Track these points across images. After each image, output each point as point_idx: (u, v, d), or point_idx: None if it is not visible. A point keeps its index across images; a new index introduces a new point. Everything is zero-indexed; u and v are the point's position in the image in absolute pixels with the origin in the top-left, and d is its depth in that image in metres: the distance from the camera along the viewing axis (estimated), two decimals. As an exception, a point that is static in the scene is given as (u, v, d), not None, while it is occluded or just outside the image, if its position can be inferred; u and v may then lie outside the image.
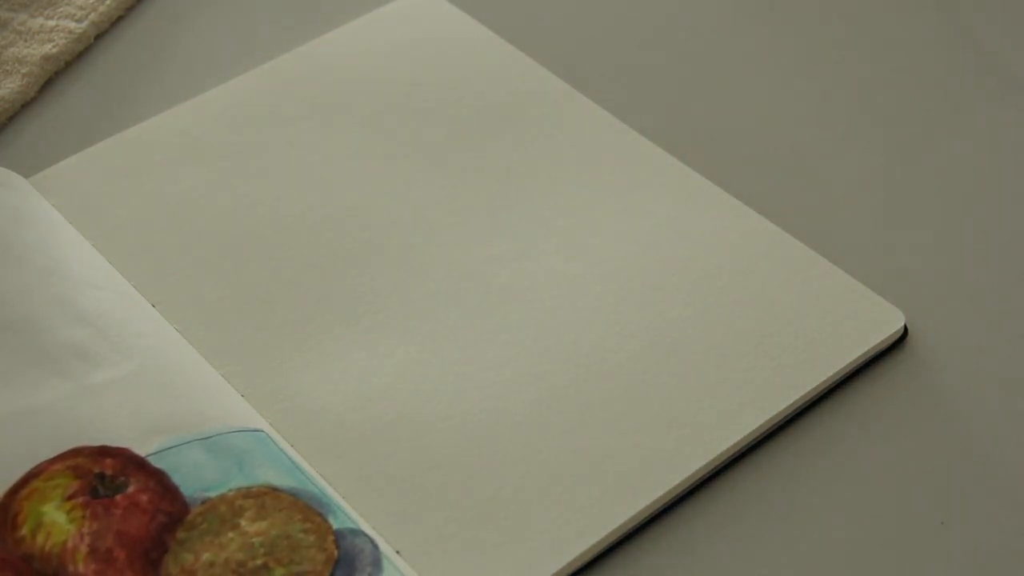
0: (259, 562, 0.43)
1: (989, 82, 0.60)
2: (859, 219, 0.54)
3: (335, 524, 0.44)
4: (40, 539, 0.43)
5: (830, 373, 0.48)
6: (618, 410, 0.47)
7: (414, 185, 0.55)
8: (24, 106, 0.60)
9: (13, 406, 0.46)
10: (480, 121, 0.58)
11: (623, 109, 0.58)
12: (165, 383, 0.48)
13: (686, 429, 0.47)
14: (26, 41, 0.62)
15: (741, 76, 0.60)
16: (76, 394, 0.47)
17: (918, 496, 0.46)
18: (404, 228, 0.54)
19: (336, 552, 0.43)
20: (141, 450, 0.45)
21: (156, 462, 0.45)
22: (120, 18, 0.64)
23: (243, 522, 0.44)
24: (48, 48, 0.61)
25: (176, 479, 0.45)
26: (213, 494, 0.44)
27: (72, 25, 0.62)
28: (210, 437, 0.46)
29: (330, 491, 0.45)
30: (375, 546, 0.44)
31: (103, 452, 0.45)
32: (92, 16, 0.63)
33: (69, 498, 0.44)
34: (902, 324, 0.49)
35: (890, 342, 0.49)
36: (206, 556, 0.43)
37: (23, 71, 0.60)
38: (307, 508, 0.44)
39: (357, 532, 0.44)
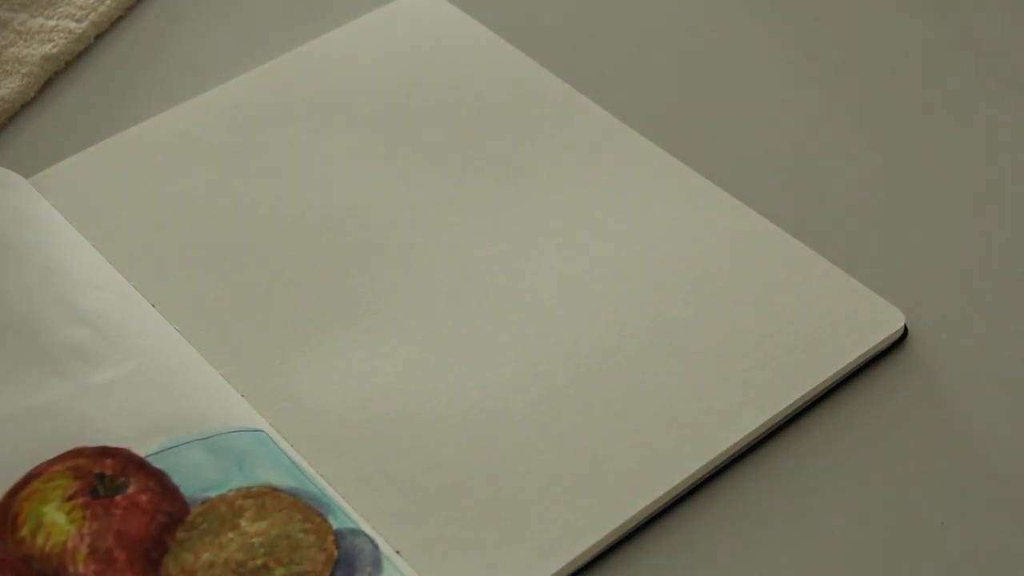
0: (259, 562, 0.43)
1: (989, 82, 0.60)
2: (859, 219, 0.54)
3: (335, 524, 0.44)
4: (40, 540, 0.43)
5: (830, 373, 0.48)
6: (618, 410, 0.47)
7: (414, 185, 0.55)
8: (24, 106, 0.60)
9: (13, 406, 0.46)
10: (480, 121, 0.58)
11: (623, 109, 0.58)
12: (165, 383, 0.48)
13: (686, 429, 0.47)
14: (26, 41, 0.62)
15: (741, 76, 0.60)
16: (76, 394, 0.47)
17: (918, 496, 0.46)
18: (404, 228, 0.54)
19: (336, 552, 0.43)
20: (141, 450, 0.45)
21: (156, 462, 0.45)
22: (120, 18, 0.64)
23: (243, 522, 0.44)
24: (48, 48, 0.61)
25: (176, 479, 0.45)
26: (213, 494, 0.44)
27: (72, 25, 0.62)
28: (210, 437, 0.46)
29: (330, 491, 0.45)
30: (375, 546, 0.44)
31: (103, 452, 0.45)
32: (92, 16, 0.63)
33: (69, 499, 0.44)
34: (902, 324, 0.49)
35: (890, 342, 0.49)
36: (206, 556, 0.43)
37: (23, 71, 0.60)
38: (307, 508, 0.44)
39: (357, 532, 0.44)
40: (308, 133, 0.57)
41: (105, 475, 0.45)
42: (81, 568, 0.43)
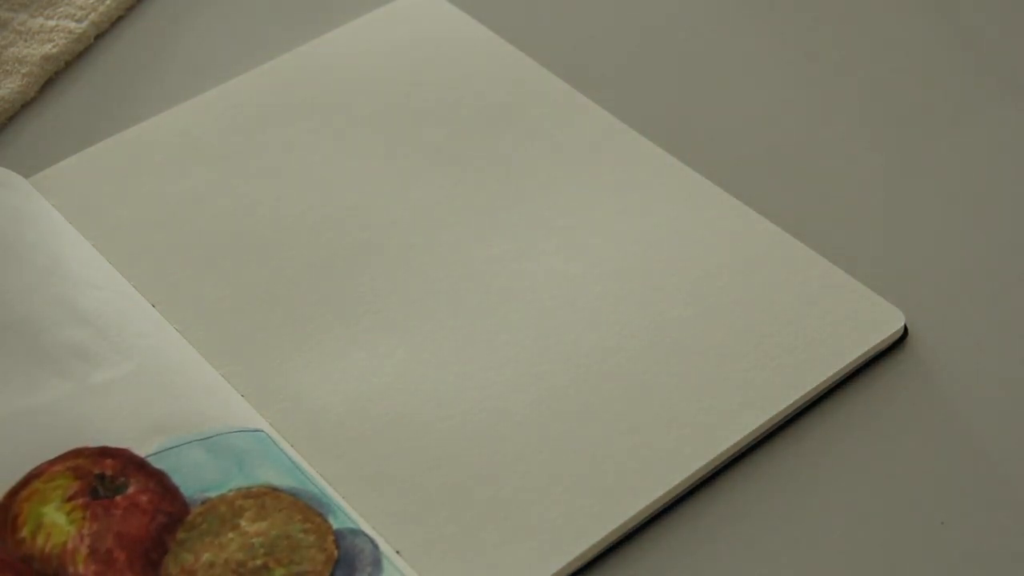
0: (259, 562, 0.43)
1: (989, 82, 0.60)
2: (859, 219, 0.54)
3: (335, 524, 0.44)
4: (40, 540, 0.43)
5: (830, 373, 0.48)
6: (618, 410, 0.47)
7: (414, 185, 0.55)
8: (24, 106, 0.60)
9: (13, 406, 0.46)
10: (480, 121, 0.58)
11: (623, 109, 0.58)
12: (165, 383, 0.48)
13: (686, 429, 0.47)
14: (26, 41, 0.62)
15: (741, 76, 0.60)
16: (76, 394, 0.47)
17: (918, 496, 0.46)
18: (404, 228, 0.54)
19: (336, 552, 0.43)
20: (141, 450, 0.45)
21: (156, 462, 0.45)
22: (120, 18, 0.64)
23: (243, 522, 0.44)
24: (48, 48, 0.61)
25: (176, 479, 0.45)
26: (213, 494, 0.44)
27: (72, 25, 0.62)
28: (210, 437, 0.46)
29: (330, 491, 0.45)
30: (375, 546, 0.44)
31: (103, 453, 0.45)
32: (92, 16, 0.63)
33: (69, 499, 0.44)
34: (902, 324, 0.49)
35: (890, 342, 0.49)
36: (206, 556, 0.43)
37: (23, 71, 0.60)
38: (307, 508, 0.44)
39: (357, 532, 0.44)
40: (308, 133, 0.57)
41: (105, 475, 0.45)
42: (81, 568, 0.43)
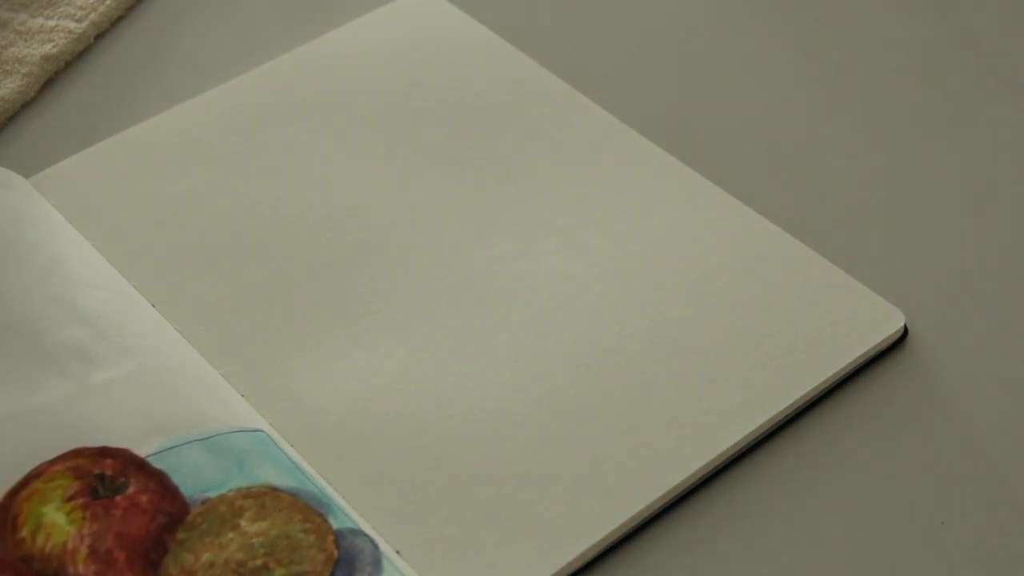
0: (259, 562, 0.43)
1: (989, 82, 0.60)
2: (859, 219, 0.54)
3: (335, 524, 0.44)
4: (40, 540, 0.43)
5: (830, 373, 0.48)
6: (618, 410, 0.47)
7: (414, 185, 0.55)
8: (24, 106, 0.60)
9: (13, 406, 0.46)
10: (480, 121, 0.58)
11: (623, 109, 0.58)
12: (165, 383, 0.48)
13: (686, 429, 0.47)
14: (26, 41, 0.62)
15: (741, 76, 0.60)
16: (76, 394, 0.47)
17: (918, 496, 0.46)
18: (404, 228, 0.54)
19: (336, 552, 0.43)
20: (141, 450, 0.45)
21: (156, 462, 0.45)
22: (120, 18, 0.64)
23: (243, 522, 0.44)
24: (48, 48, 0.61)
25: (176, 479, 0.45)
26: (213, 494, 0.44)
27: (72, 25, 0.62)
28: (210, 437, 0.46)
29: (330, 491, 0.45)
30: (375, 546, 0.44)
31: (103, 453, 0.45)
32: (92, 16, 0.63)
33: (69, 499, 0.44)
34: (902, 324, 0.49)
35: (890, 342, 0.49)
36: (206, 556, 0.43)
37: (23, 71, 0.60)
38: (307, 508, 0.44)
39: (357, 532, 0.44)
40: (308, 133, 0.57)
41: (105, 475, 0.45)
42: (81, 568, 0.43)
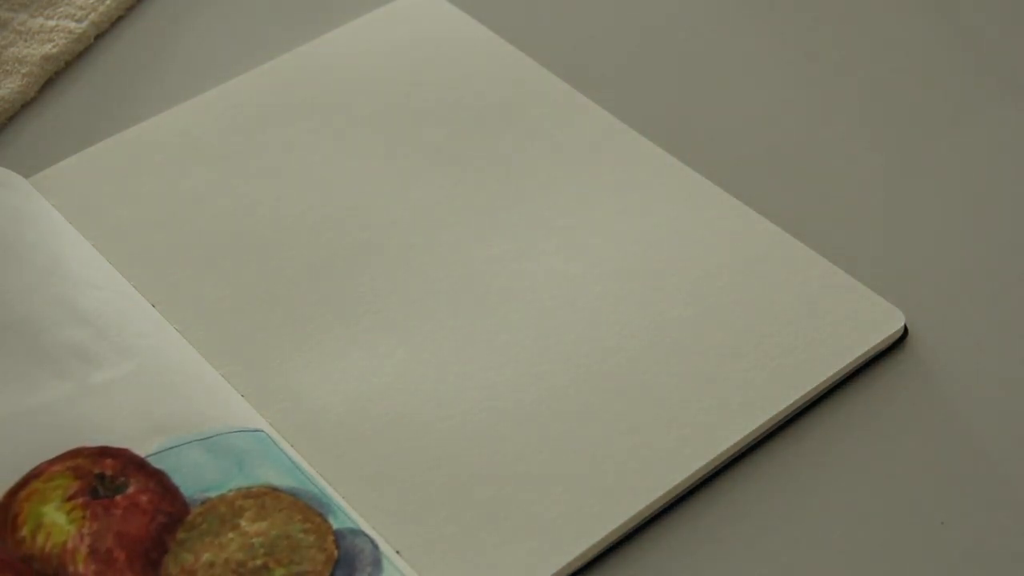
0: (259, 562, 0.43)
1: (989, 82, 0.60)
2: (859, 219, 0.54)
3: (335, 524, 0.44)
4: (40, 540, 0.43)
5: (830, 373, 0.48)
6: (618, 410, 0.47)
7: (414, 185, 0.55)
8: (24, 106, 0.60)
9: (13, 406, 0.46)
10: (480, 121, 0.58)
11: (623, 109, 0.58)
12: (165, 383, 0.48)
13: (686, 429, 0.47)
14: (26, 41, 0.62)
15: (741, 76, 0.60)
16: (76, 394, 0.47)
17: (918, 496, 0.46)
18: (404, 228, 0.54)
19: (336, 552, 0.43)
20: (141, 450, 0.45)
21: (156, 462, 0.45)
22: (120, 18, 0.64)
23: (243, 522, 0.44)
24: (48, 48, 0.61)
25: (176, 479, 0.45)
26: (213, 494, 0.44)
27: (72, 25, 0.62)
28: (210, 437, 0.46)
29: (330, 491, 0.45)
30: (375, 546, 0.44)
31: (103, 453, 0.45)
32: (92, 16, 0.63)
33: (69, 499, 0.44)
34: (902, 324, 0.49)
35: (890, 342, 0.49)
36: (206, 556, 0.43)
37: (23, 71, 0.60)
38: (307, 508, 0.44)
39: (357, 532, 0.44)
40: (308, 133, 0.57)
41: (105, 475, 0.45)
42: (81, 568, 0.43)
